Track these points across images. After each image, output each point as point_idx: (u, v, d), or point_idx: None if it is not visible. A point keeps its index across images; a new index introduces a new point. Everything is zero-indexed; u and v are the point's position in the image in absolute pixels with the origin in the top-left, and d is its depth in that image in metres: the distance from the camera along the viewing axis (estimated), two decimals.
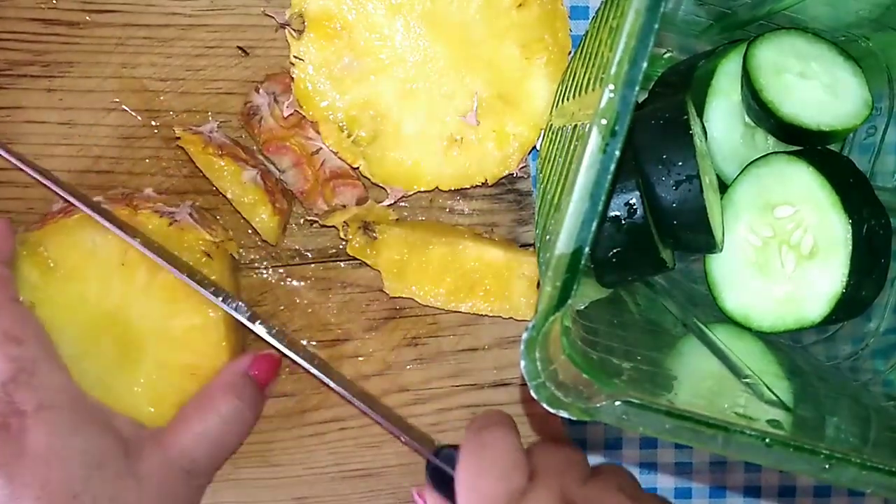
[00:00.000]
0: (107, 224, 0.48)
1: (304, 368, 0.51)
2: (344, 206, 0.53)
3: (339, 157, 0.51)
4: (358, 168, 0.51)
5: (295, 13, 0.49)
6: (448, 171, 0.51)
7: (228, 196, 0.51)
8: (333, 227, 0.53)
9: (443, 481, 0.46)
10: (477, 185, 0.54)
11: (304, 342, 0.55)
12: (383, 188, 0.52)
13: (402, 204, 0.54)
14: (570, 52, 0.51)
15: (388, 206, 0.53)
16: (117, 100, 0.52)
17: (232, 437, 0.50)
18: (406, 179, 0.51)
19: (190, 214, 0.50)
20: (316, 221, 0.53)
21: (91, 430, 0.45)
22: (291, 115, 0.51)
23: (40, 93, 0.52)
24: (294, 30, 0.49)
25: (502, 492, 0.39)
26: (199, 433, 0.48)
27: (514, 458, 0.41)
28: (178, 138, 0.50)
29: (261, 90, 0.52)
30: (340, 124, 0.50)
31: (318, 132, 0.50)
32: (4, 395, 0.43)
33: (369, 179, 0.52)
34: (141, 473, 0.46)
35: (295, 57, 0.49)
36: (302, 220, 0.54)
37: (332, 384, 0.51)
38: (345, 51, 0.49)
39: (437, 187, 0.51)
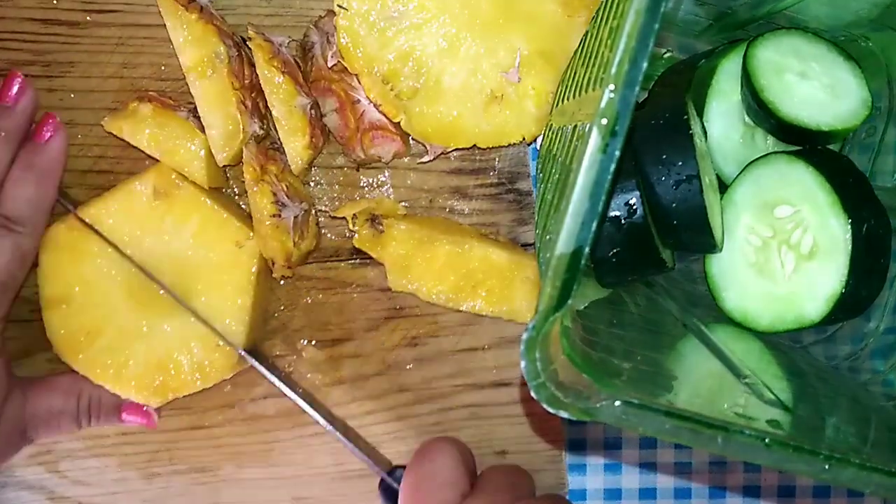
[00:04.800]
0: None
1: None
2: (380, 158, 0.53)
3: (380, 111, 0.51)
4: (398, 123, 0.50)
5: None
6: (487, 128, 0.51)
7: (274, 113, 0.50)
8: (334, 227, 0.53)
9: (394, 500, 0.50)
10: (478, 185, 0.54)
11: (305, 342, 0.55)
12: (423, 144, 0.52)
13: (403, 203, 0.54)
14: None
15: (391, 198, 0.53)
16: (118, 100, 0.52)
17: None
18: (445, 135, 0.51)
19: None
20: (325, 211, 0.54)
21: None
22: (335, 65, 0.50)
23: (41, 92, 0.52)
24: None
25: (437, 502, 0.44)
26: (57, 409, 0.50)
27: (451, 473, 0.44)
28: None
29: (317, 27, 0.51)
30: (382, 77, 0.49)
31: (360, 84, 0.50)
32: None
33: (409, 136, 0.51)
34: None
35: (339, 6, 0.48)
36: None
37: (290, 393, 0.53)
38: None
39: (474, 145, 0.51)
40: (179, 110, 0.51)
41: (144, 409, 0.53)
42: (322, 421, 0.53)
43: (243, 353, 0.52)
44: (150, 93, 0.52)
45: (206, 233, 0.51)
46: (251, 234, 0.51)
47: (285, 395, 0.53)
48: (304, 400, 0.53)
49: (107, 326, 0.51)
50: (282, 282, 0.55)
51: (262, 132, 0.51)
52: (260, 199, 0.49)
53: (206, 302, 0.51)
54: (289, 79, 0.50)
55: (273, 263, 0.51)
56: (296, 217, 0.50)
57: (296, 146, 0.51)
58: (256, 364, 0.52)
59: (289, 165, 0.51)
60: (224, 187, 0.54)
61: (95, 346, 0.51)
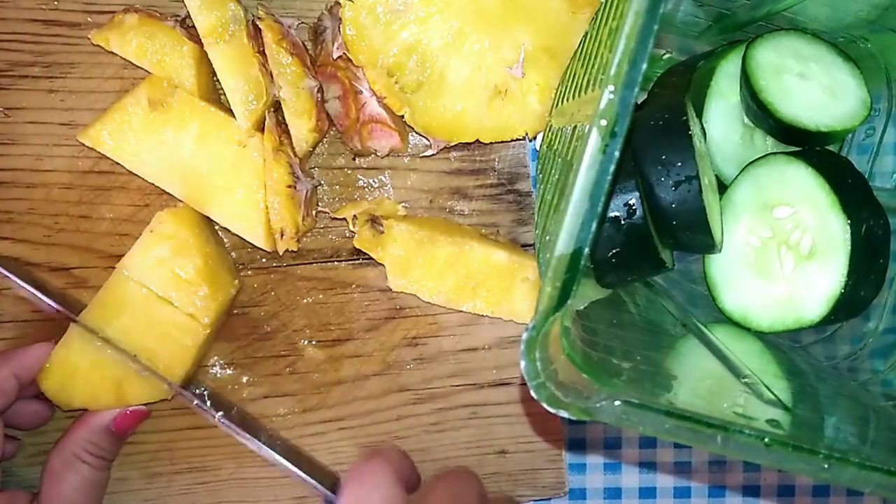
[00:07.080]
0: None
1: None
2: (376, 152, 0.53)
3: (383, 105, 0.51)
4: (402, 117, 0.50)
5: None
6: (490, 123, 0.51)
7: (281, 95, 0.50)
8: (334, 228, 0.53)
9: None
10: (478, 186, 0.55)
11: (305, 342, 0.55)
12: (426, 138, 0.52)
13: (403, 204, 0.54)
14: None
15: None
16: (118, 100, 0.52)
17: (103, 478, 0.52)
18: (449, 130, 0.51)
19: None
20: (325, 212, 0.54)
21: None
22: (340, 57, 0.50)
23: (42, 93, 0.52)
24: None
25: None
26: (76, 483, 0.50)
27: (386, 492, 0.43)
28: None
29: (331, 12, 0.51)
30: (387, 70, 0.49)
31: (364, 76, 0.50)
32: None
33: (413, 129, 0.51)
34: None
35: None
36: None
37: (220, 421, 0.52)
38: None
39: (476, 142, 0.51)
40: (166, 20, 0.50)
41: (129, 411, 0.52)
42: (256, 444, 0.52)
43: (174, 385, 0.51)
44: (135, 5, 0.51)
45: (207, 136, 0.50)
46: (253, 132, 0.50)
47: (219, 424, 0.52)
48: (237, 423, 0.52)
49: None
50: (285, 260, 0.54)
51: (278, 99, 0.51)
52: (277, 168, 0.49)
53: (219, 208, 0.51)
54: (297, 60, 0.50)
55: (282, 235, 0.51)
56: (307, 192, 0.51)
57: (301, 128, 0.51)
58: (185, 394, 0.52)
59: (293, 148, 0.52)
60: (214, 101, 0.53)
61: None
